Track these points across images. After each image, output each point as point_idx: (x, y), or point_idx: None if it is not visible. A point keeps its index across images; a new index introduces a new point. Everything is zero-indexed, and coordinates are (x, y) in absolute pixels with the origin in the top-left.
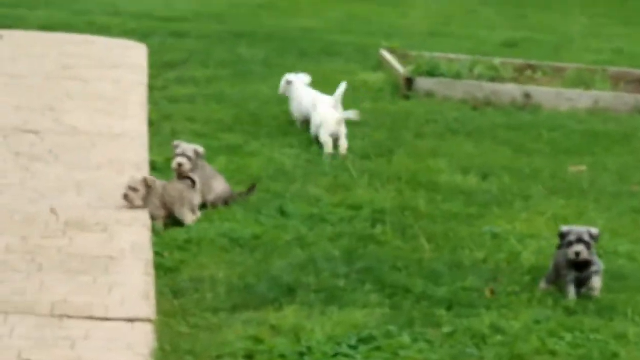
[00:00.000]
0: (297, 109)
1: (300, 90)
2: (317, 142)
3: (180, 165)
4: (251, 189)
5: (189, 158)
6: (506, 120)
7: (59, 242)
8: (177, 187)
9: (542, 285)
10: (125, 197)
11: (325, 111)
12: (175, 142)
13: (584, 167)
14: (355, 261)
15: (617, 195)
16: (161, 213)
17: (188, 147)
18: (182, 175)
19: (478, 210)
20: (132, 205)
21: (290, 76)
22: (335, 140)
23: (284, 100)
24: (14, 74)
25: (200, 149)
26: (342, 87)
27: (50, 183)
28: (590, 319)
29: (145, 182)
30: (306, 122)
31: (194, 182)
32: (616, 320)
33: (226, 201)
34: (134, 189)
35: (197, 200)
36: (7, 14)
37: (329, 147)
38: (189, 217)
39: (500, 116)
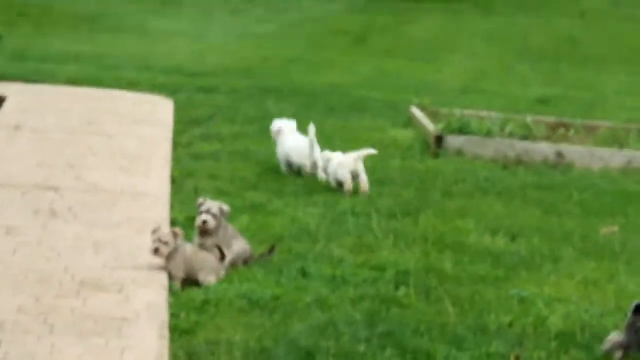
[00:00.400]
0: (282, 154)
1: (288, 136)
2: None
3: (204, 222)
4: (271, 250)
5: (214, 216)
6: (537, 179)
7: (73, 303)
8: (208, 258)
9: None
10: (156, 251)
11: (340, 154)
12: (200, 200)
13: (616, 229)
14: (377, 325)
15: None
16: (182, 275)
17: (213, 205)
18: (205, 233)
19: (506, 272)
20: (161, 259)
21: (279, 123)
22: (355, 178)
23: None
24: (38, 129)
25: (226, 207)
26: (312, 129)
27: (68, 242)
28: None
29: (175, 234)
30: (289, 166)
31: (223, 256)
32: None
33: (246, 261)
34: (165, 243)
35: (224, 273)
36: (36, 68)
37: (349, 185)
38: (212, 282)
39: (532, 175)
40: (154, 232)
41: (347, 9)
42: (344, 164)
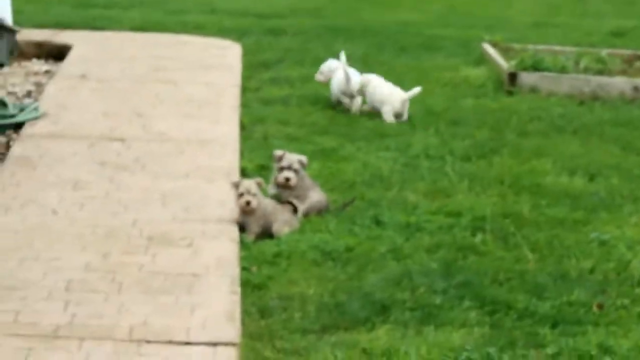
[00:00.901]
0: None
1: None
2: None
3: (287, 179)
4: (350, 202)
5: (295, 171)
6: (614, 115)
7: (140, 259)
8: (284, 210)
9: None
10: (248, 203)
11: (391, 91)
12: (279, 153)
13: None
14: (453, 274)
15: None
16: (257, 229)
17: (294, 159)
18: (286, 188)
19: (585, 215)
20: (251, 213)
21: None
22: (398, 117)
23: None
24: (103, 78)
25: (304, 159)
26: (342, 56)
27: (135, 194)
28: None
29: (258, 184)
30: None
31: (295, 209)
32: None
33: (320, 211)
34: (254, 194)
35: (297, 224)
36: (100, 15)
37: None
38: (285, 233)
39: (608, 111)
40: (236, 185)
41: None
42: (390, 103)
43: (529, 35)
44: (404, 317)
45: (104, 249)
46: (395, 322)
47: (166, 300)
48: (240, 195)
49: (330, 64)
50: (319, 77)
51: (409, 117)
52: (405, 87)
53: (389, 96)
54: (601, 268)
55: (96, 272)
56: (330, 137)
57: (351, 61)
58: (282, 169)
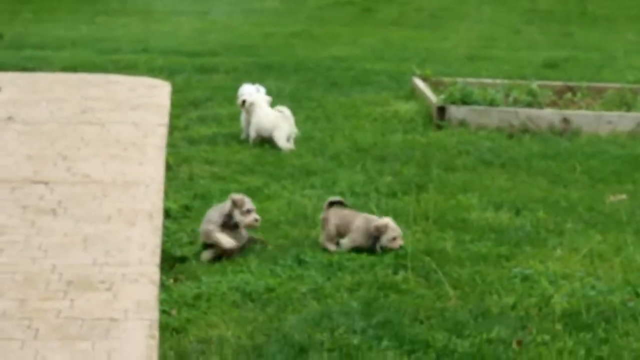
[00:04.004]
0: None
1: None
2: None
3: (256, 220)
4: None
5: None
6: (543, 148)
7: (58, 305)
8: None
9: None
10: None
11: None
12: (238, 197)
13: (623, 196)
14: (373, 314)
15: None
16: None
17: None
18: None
19: (509, 249)
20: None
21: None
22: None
23: (309, 137)
24: (29, 121)
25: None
26: None
27: (56, 238)
28: None
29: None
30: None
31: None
32: None
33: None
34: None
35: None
36: (31, 55)
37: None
38: None
39: (537, 144)
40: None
41: None
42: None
43: (462, 69)
44: (322, 358)
45: (21, 295)
46: None
47: (83, 346)
48: (248, 212)
49: (247, 89)
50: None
51: (337, 154)
52: (335, 123)
53: (277, 121)
54: (523, 304)
55: (12, 320)
56: (255, 176)
57: (281, 97)
58: (249, 211)
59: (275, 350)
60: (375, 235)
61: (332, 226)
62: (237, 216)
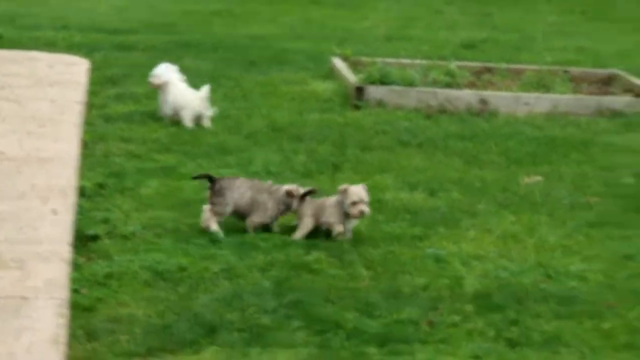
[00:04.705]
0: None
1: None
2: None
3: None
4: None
5: None
6: (460, 128)
7: None
8: None
9: None
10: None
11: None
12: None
13: (538, 178)
14: (285, 294)
15: (571, 208)
16: None
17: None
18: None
19: (423, 230)
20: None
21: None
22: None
23: (227, 116)
24: None
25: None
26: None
27: None
28: (534, 351)
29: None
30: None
31: None
32: (562, 353)
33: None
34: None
35: None
36: None
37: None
38: None
39: (454, 124)
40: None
41: None
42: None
43: (381, 49)
44: (232, 338)
45: None
46: (222, 343)
47: None
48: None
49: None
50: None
51: (253, 133)
52: (253, 102)
53: (188, 100)
54: (435, 284)
55: None
56: (171, 155)
57: (199, 76)
58: (355, 203)
59: (185, 329)
60: (286, 202)
61: (308, 220)
62: None
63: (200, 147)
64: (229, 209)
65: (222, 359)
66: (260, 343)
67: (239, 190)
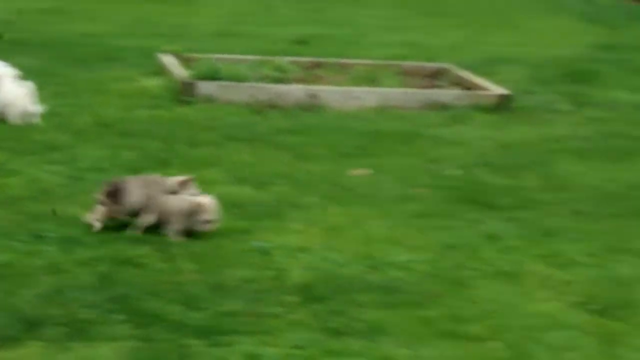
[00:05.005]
0: None
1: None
2: None
3: None
4: None
5: None
6: (289, 123)
7: None
8: None
9: None
10: None
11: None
12: None
13: (366, 171)
14: (109, 288)
15: (398, 200)
16: None
17: None
18: None
19: (249, 223)
20: None
21: None
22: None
23: (55, 113)
24: None
25: None
26: None
27: None
28: (357, 340)
29: None
30: None
31: None
32: (383, 342)
33: None
34: None
35: None
36: None
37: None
38: None
39: (284, 119)
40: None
41: None
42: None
43: (212, 45)
44: (54, 333)
45: None
46: (44, 339)
47: None
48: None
49: None
50: None
51: (82, 130)
52: (82, 99)
53: (14, 97)
54: (259, 277)
55: None
56: None
57: (30, 74)
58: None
59: (5, 324)
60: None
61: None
62: None
63: (27, 144)
64: (125, 210)
65: (44, 354)
66: (83, 337)
67: (135, 191)
